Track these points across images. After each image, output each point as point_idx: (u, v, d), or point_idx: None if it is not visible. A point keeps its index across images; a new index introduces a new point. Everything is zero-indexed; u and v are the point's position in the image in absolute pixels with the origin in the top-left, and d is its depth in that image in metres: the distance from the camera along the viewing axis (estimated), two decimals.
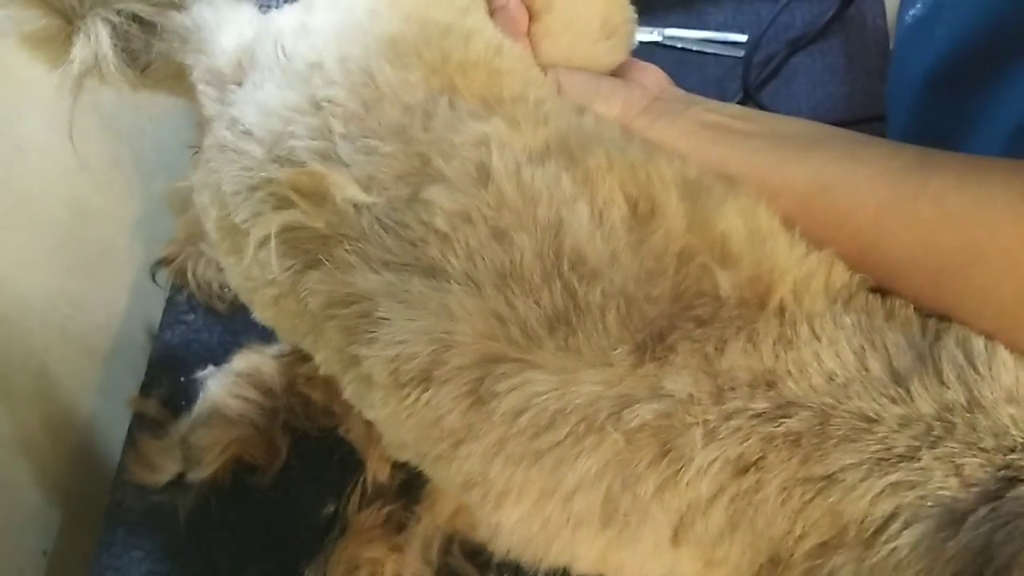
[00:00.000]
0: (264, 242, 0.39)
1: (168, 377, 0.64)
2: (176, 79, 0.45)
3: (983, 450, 0.33)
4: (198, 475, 0.58)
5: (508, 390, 0.35)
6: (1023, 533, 0.32)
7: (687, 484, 0.35)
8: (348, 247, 0.37)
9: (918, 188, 0.36)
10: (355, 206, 0.37)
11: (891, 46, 0.71)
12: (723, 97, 0.71)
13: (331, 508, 0.57)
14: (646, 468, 0.35)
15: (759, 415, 0.34)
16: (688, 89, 0.46)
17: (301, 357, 0.61)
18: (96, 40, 0.43)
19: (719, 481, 0.35)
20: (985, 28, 0.46)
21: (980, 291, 0.35)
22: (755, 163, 0.39)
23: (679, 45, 0.75)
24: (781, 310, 0.36)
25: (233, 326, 0.66)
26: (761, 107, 0.71)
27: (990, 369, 0.34)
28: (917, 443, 0.34)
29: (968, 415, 0.34)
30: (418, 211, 0.36)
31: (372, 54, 0.40)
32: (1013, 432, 0.33)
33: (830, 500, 0.34)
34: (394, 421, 0.38)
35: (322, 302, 0.38)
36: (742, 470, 0.35)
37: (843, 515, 0.34)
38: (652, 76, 0.46)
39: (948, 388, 0.34)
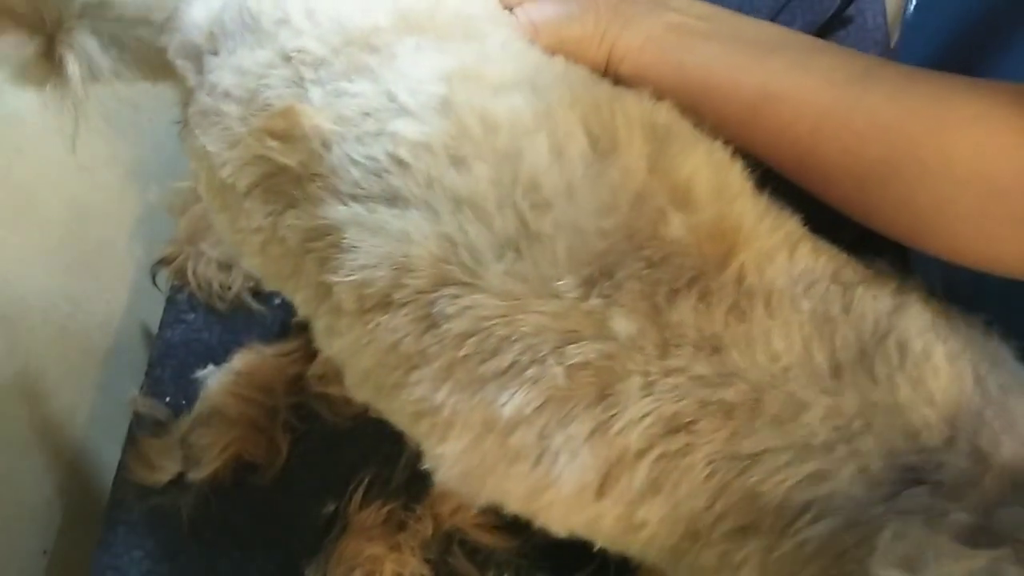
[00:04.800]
0: (248, 191, 0.41)
1: (168, 376, 0.64)
2: (164, 65, 0.46)
3: (891, 452, 0.34)
4: (198, 474, 0.58)
5: (457, 313, 0.36)
6: (904, 529, 0.32)
7: (618, 432, 0.35)
8: (320, 184, 0.39)
9: (855, 100, 0.37)
10: (323, 143, 0.39)
11: (892, 45, 0.71)
12: None
13: (331, 507, 0.57)
14: (583, 410, 0.36)
15: (699, 378, 0.35)
16: None
17: (304, 356, 0.61)
18: (84, 51, 0.45)
19: (649, 436, 0.35)
20: (982, 8, 0.46)
21: (897, 200, 0.37)
22: (710, 68, 0.40)
23: None
24: (740, 277, 0.36)
25: (233, 325, 0.66)
26: None
27: (919, 370, 0.35)
28: (836, 435, 0.34)
29: (886, 414, 0.34)
30: (384, 143, 0.38)
31: (341, 2, 0.41)
32: (924, 434, 0.34)
33: (752, 480, 0.35)
34: (356, 348, 0.40)
35: (299, 238, 0.40)
36: (674, 430, 0.35)
37: (761, 498, 0.35)
38: None
39: (877, 386, 0.35)
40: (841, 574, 0.33)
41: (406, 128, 0.38)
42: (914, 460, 0.34)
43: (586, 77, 0.41)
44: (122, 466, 0.61)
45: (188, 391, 0.61)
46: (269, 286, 0.47)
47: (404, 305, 0.37)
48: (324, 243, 0.39)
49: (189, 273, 0.66)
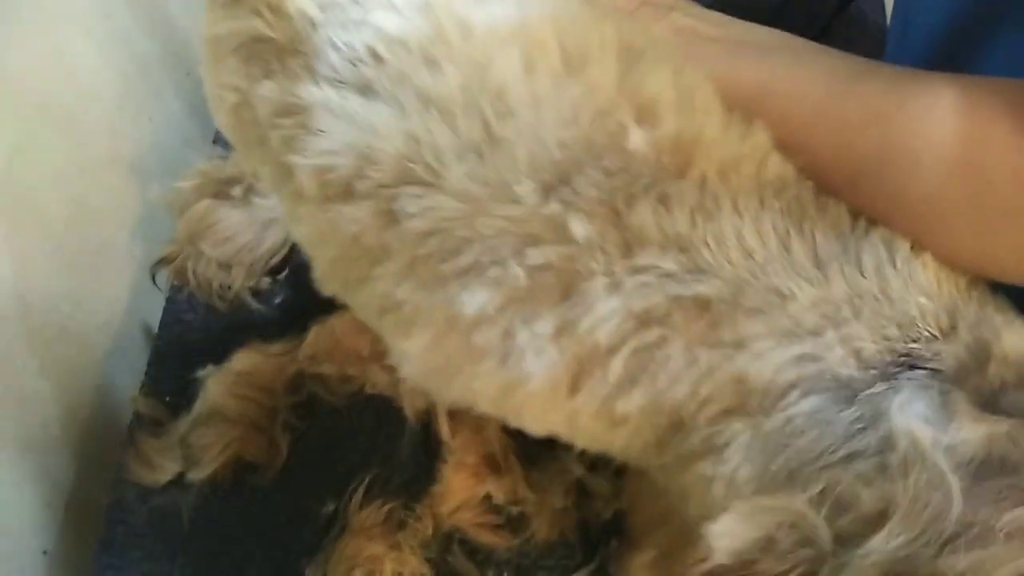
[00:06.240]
0: (235, 49, 0.42)
1: (168, 376, 0.64)
2: None
3: (885, 338, 0.34)
4: (198, 474, 0.58)
5: (419, 211, 0.37)
6: (919, 392, 0.33)
7: (587, 331, 0.35)
8: (300, 61, 0.40)
9: (849, 93, 0.38)
10: (312, 24, 0.40)
11: None
12: None
13: (331, 507, 0.57)
14: (547, 309, 0.36)
15: (668, 275, 0.35)
16: None
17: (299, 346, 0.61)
18: None
19: (621, 332, 0.35)
20: (969, 6, 0.46)
21: (889, 195, 0.37)
22: (712, 68, 0.41)
23: None
24: (702, 183, 0.36)
25: (233, 325, 0.66)
26: None
27: (908, 265, 0.36)
28: (824, 321, 0.35)
29: (876, 303, 0.35)
30: (364, 33, 0.39)
31: None
32: (919, 324, 0.34)
33: (737, 365, 0.35)
34: (319, 238, 0.41)
35: (269, 111, 0.41)
36: (646, 324, 0.35)
37: (748, 382, 0.35)
38: None
39: (864, 278, 0.35)
40: (832, 448, 0.33)
41: (387, 21, 0.38)
42: (910, 348, 0.34)
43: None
44: (122, 466, 0.60)
45: (188, 391, 0.61)
46: (238, 150, 0.48)
47: (366, 197, 0.38)
48: (292, 121, 0.40)
49: (189, 273, 0.66)
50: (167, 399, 0.63)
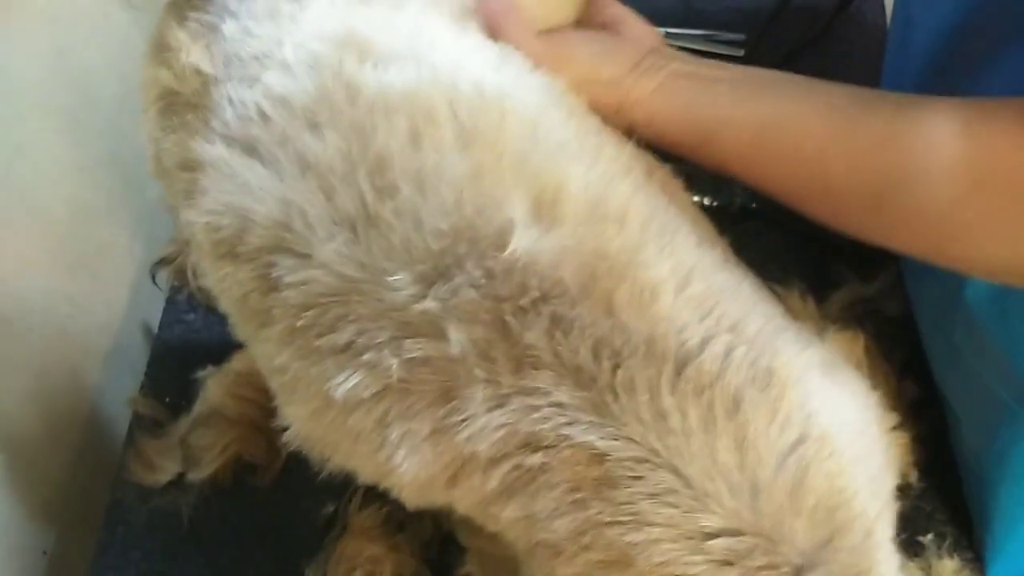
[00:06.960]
0: (156, 100, 0.42)
1: (168, 377, 0.64)
2: None
3: None
4: (198, 475, 0.58)
5: (295, 282, 0.35)
6: None
7: (467, 439, 0.33)
8: (200, 116, 0.39)
9: (857, 118, 0.39)
10: (211, 79, 0.39)
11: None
12: None
13: (331, 507, 0.57)
14: (424, 407, 0.34)
15: (560, 405, 0.32)
16: None
17: None
18: None
19: (503, 448, 0.33)
20: (972, 13, 0.47)
21: (912, 209, 0.37)
22: (717, 105, 0.42)
23: (679, 44, 0.75)
24: (610, 308, 0.32)
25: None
26: None
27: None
28: (731, 561, 0.31)
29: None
30: (256, 91, 0.38)
31: None
32: None
33: (628, 539, 0.31)
34: (219, 292, 0.40)
35: (173, 163, 0.41)
36: (531, 447, 0.33)
37: (636, 559, 0.31)
38: (644, 30, 0.49)
39: (799, 517, 0.31)
40: None
41: (275, 81, 0.37)
42: None
43: (490, 62, 0.39)
44: (122, 466, 0.60)
45: (188, 391, 0.61)
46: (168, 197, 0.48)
47: (249, 260, 0.36)
48: (188, 176, 0.39)
49: (189, 273, 0.66)
50: (167, 399, 0.63)
